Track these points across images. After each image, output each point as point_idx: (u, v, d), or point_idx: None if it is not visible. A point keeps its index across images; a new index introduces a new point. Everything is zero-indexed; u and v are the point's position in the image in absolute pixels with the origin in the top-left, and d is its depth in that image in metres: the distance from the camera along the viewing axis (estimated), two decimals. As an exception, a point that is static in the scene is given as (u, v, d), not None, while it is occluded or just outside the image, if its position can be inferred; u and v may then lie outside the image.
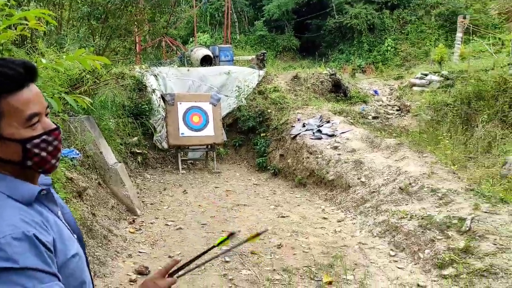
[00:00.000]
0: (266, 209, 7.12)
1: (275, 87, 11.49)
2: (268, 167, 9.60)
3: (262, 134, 10.36)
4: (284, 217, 6.67)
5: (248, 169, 10.20)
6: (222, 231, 6.02)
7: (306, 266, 4.85)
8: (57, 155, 1.19)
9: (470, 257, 4.45)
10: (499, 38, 17.17)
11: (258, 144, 10.20)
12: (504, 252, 4.30)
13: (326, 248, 5.38)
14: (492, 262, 4.23)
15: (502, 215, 4.99)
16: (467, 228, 4.82)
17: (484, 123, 9.37)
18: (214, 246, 1.43)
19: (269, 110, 10.65)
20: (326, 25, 24.43)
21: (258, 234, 1.39)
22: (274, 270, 4.77)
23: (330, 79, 12.09)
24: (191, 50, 14.55)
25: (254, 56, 13.87)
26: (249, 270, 4.79)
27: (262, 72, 12.04)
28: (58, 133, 1.18)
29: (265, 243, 5.57)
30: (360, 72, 18.70)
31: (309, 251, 5.30)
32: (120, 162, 6.88)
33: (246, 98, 11.07)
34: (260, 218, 6.59)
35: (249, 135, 10.79)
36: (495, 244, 4.46)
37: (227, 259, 5.04)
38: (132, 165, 8.88)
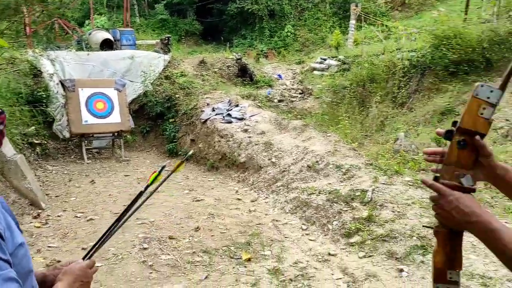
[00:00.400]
0: (180, 194, 7.12)
1: (182, 72, 11.37)
2: (179, 153, 9.54)
3: (171, 120, 10.23)
4: (199, 200, 6.72)
5: (158, 156, 10.04)
6: (137, 218, 5.91)
7: (225, 246, 4.98)
8: (2, 140, 1.14)
9: (372, 225, 4.93)
10: (386, 25, 18.66)
11: (168, 130, 10.06)
12: (401, 218, 4.83)
13: (243, 228, 5.57)
14: (392, 227, 4.73)
15: (398, 185, 5.58)
16: (369, 199, 5.31)
17: (377, 103, 10.22)
18: (148, 185, 1.42)
19: (177, 95, 10.53)
20: (228, 10, 24.47)
21: (182, 162, 1.41)
22: (194, 252, 4.83)
23: (236, 63, 12.26)
24: (89, 33, 13.72)
25: (158, 40, 13.50)
26: (169, 254, 4.80)
27: (167, 57, 11.81)
28: (4, 117, 1.13)
29: (182, 227, 5.60)
30: (262, 57, 19.14)
31: (226, 231, 5.44)
32: (20, 154, 6.37)
33: (152, 83, 10.82)
34: (175, 203, 6.57)
35: (157, 121, 10.60)
36: (393, 212, 4.98)
37: (145, 246, 4.98)
38: (31, 157, 8.25)
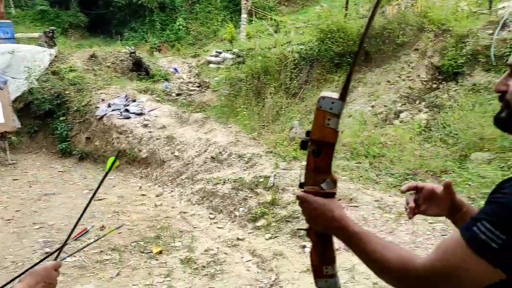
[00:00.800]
0: (79, 195, 6.84)
1: (71, 67, 10.74)
2: (74, 152, 9.04)
3: (62, 118, 9.62)
4: (101, 200, 6.52)
5: (50, 157, 9.41)
6: (33, 223, 5.59)
7: (134, 242, 4.95)
8: None
9: (276, 208, 5.26)
10: (275, 20, 19.44)
11: (59, 128, 9.45)
12: (300, 198, 5.22)
13: (150, 222, 5.56)
14: (294, 209, 5.10)
15: (296, 170, 5.99)
16: (272, 184, 5.64)
17: (272, 94, 10.68)
18: (107, 173, 1.42)
19: (67, 92, 9.92)
20: (115, 1, 23.45)
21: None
22: (101, 251, 4.73)
23: (130, 57, 11.91)
24: (-43, 25, 12.26)
25: (41, 34, 12.51)
26: (75, 256, 4.63)
27: (53, 51, 11.06)
28: None
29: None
30: (156, 51, 18.77)
31: (134, 227, 5.39)
32: None
33: (38, 80, 10.06)
34: (75, 204, 6.31)
35: (47, 120, 9.89)
36: (294, 194, 5.35)
37: (47, 249, 4.77)
38: None
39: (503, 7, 9.59)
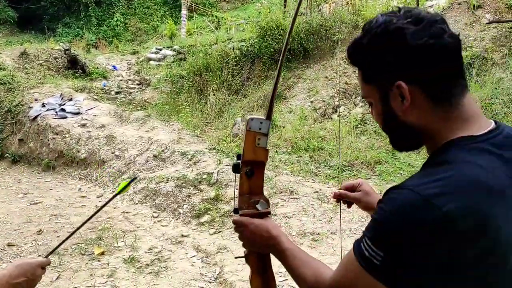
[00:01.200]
0: (13, 199, 6.55)
1: (0, 65, 10.16)
2: (6, 155, 8.60)
3: (-9, 119, 9.11)
4: (37, 203, 6.30)
5: (-21, 161, 8.89)
6: (-36, 231, 5.30)
7: (74, 244, 4.82)
8: None
9: (220, 203, 5.33)
10: (216, 16, 19.42)
11: (-12, 130, 8.96)
12: (244, 193, 5.32)
13: (91, 224, 5.41)
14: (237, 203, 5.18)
15: (239, 165, 6.08)
16: (215, 180, 5.69)
17: (215, 91, 10.72)
18: (117, 194, 1.40)
19: (-4, 92, 9.41)
20: (46, -5, 22.40)
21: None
22: (39, 256, 4.55)
23: (65, 55, 11.44)
24: None
25: (-35, 29, 11.77)
26: (10, 262, 4.45)
27: (-21, 48, 10.41)
28: None
29: (22, 232, 5.23)
30: (93, 48, 18.13)
31: (73, 230, 5.24)
32: None
33: (-37, 79, 9.45)
34: (9, 209, 6.03)
35: (-26, 122, 9.32)
36: (237, 189, 5.44)
37: (-19, 257, 4.54)
38: None
39: (431, 6, 10.22)
